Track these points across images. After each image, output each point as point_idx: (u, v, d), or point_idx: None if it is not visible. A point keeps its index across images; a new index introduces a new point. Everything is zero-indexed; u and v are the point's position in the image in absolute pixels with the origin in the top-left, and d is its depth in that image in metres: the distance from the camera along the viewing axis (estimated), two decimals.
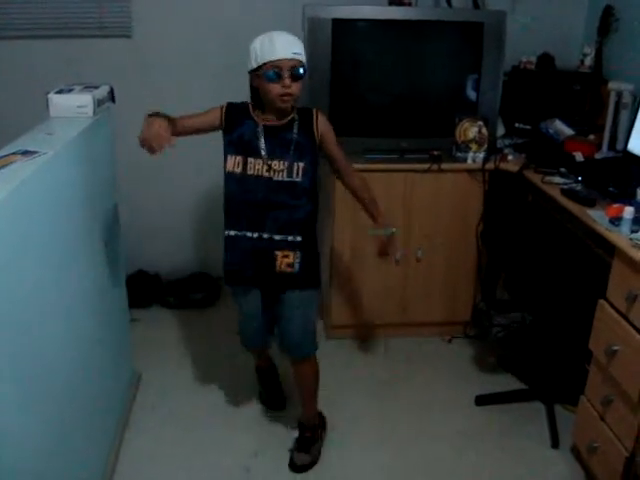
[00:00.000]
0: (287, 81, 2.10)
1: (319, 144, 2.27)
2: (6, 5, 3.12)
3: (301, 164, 2.22)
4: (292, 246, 2.25)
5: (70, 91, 2.24)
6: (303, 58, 2.14)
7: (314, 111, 2.28)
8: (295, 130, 2.23)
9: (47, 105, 2.18)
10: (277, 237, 2.23)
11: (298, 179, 2.22)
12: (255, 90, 2.21)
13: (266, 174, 2.20)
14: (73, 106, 2.19)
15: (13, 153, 1.72)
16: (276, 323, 2.42)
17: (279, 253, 2.25)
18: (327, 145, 2.29)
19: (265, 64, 2.09)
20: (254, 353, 2.72)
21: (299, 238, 2.25)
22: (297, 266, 2.26)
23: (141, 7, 3.23)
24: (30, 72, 3.21)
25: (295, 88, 2.13)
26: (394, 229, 2.36)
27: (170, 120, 2.06)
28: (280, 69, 2.09)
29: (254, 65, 2.13)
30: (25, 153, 1.73)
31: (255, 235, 2.23)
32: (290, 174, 2.21)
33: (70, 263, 1.96)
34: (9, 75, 3.23)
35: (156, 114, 2.05)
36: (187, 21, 3.28)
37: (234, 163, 2.22)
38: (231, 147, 2.23)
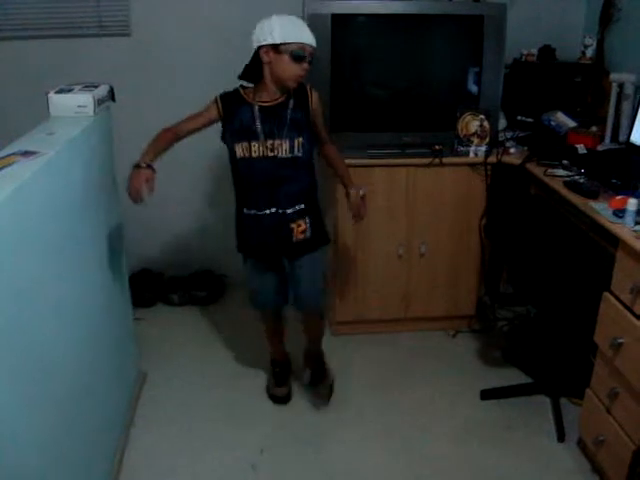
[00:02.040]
0: (306, 64, 2.26)
1: (312, 119, 2.42)
2: (5, 5, 3.11)
3: (300, 139, 2.36)
4: (302, 214, 2.44)
5: (70, 90, 2.24)
6: None
7: (308, 88, 2.40)
8: (290, 107, 2.35)
9: (47, 105, 2.18)
10: (289, 210, 2.41)
11: (299, 154, 2.37)
12: (256, 65, 2.30)
13: (270, 154, 2.34)
14: (73, 105, 2.19)
15: (14, 153, 1.72)
16: (290, 283, 2.61)
17: (294, 225, 2.43)
18: (316, 119, 2.44)
19: (291, 43, 2.22)
20: (268, 316, 2.77)
21: (303, 206, 2.43)
22: (309, 232, 2.46)
23: (140, 6, 3.22)
24: (30, 72, 3.20)
25: (307, 71, 2.29)
26: (365, 189, 2.56)
27: (153, 159, 2.21)
28: (304, 51, 2.24)
29: (278, 40, 2.22)
30: (26, 153, 1.73)
31: (273, 211, 2.40)
32: (292, 150, 2.35)
33: (72, 263, 1.95)
34: (9, 75, 3.23)
35: (137, 166, 2.16)
36: (186, 19, 3.27)
37: (242, 149, 2.34)
38: (235, 135, 2.34)
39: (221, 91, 2.39)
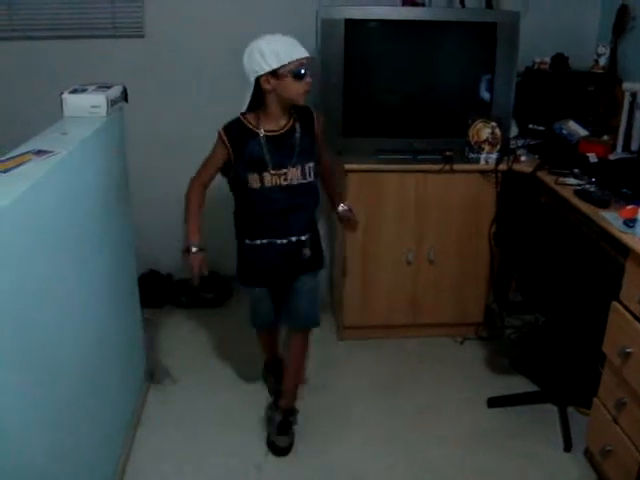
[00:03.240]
0: (309, 78, 2.22)
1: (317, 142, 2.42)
2: (20, 5, 3.14)
3: (310, 164, 2.36)
4: (310, 238, 2.46)
5: (84, 91, 2.25)
6: None
7: (313, 113, 2.39)
8: (298, 134, 2.34)
9: (61, 105, 2.19)
10: (303, 237, 2.43)
11: (311, 179, 2.37)
12: (259, 94, 2.25)
13: (284, 182, 2.32)
14: (87, 106, 2.20)
15: (27, 152, 1.73)
16: (285, 303, 2.57)
17: (306, 250, 2.45)
18: (320, 141, 2.43)
19: (288, 64, 2.17)
20: (264, 334, 2.80)
21: (311, 231, 2.48)
22: (309, 251, 2.46)
23: (154, 8, 3.24)
24: (44, 72, 3.22)
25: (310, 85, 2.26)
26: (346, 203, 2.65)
27: (199, 236, 2.37)
28: (303, 66, 2.20)
29: (275, 65, 2.17)
30: (39, 152, 1.74)
31: (285, 241, 2.40)
32: (304, 176, 2.35)
33: (83, 262, 1.96)
34: (23, 75, 3.25)
35: (188, 250, 2.34)
36: (199, 22, 3.29)
37: (254, 180, 2.32)
38: (246, 167, 2.31)
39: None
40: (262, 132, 2.29)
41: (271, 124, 2.30)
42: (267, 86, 2.21)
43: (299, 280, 2.49)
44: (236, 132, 2.30)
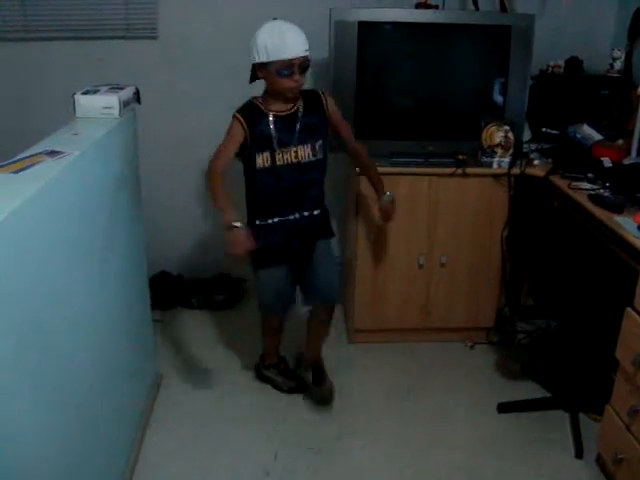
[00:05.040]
0: (297, 76, 2.28)
1: (330, 123, 2.49)
2: (34, 6, 3.15)
3: (320, 142, 2.44)
4: (320, 213, 2.57)
5: (96, 92, 2.25)
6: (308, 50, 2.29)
7: (320, 94, 2.47)
8: (301, 114, 2.41)
9: (73, 106, 2.19)
10: (315, 212, 2.53)
11: (320, 156, 2.46)
12: (256, 77, 2.35)
13: (294, 160, 2.41)
14: (99, 107, 2.20)
15: (39, 153, 1.73)
16: (302, 282, 2.65)
17: (316, 225, 2.56)
18: (336, 121, 2.51)
19: (275, 61, 2.24)
20: (275, 322, 2.81)
21: (321, 207, 2.58)
22: (319, 217, 2.56)
23: (167, 9, 3.25)
24: (57, 72, 3.24)
25: (302, 79, 2.32)
26: (391, 193, 2.66)
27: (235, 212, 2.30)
28: (292, 66, 2.25)
29: (263, 59, 2.26)
30: (51, 153, 1.74)
31: (297, 215, 2.49)
32: (314, 153, 2.44)
33: (94, 264, 1.97)
34: (36, 75, 3.27)
35: (230, 227, 2.25)
36: (212, 22, 3.30)
37: (263, 159, 2.39)
38: (256, 146, 2.37)
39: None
40: (271, 112, 2.37)
41: (279, 105, 2.39)
42: (259, 74, 2.33)
43: (315, 251, 2.57)
44: (249, 112, 2.38)
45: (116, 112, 2.22)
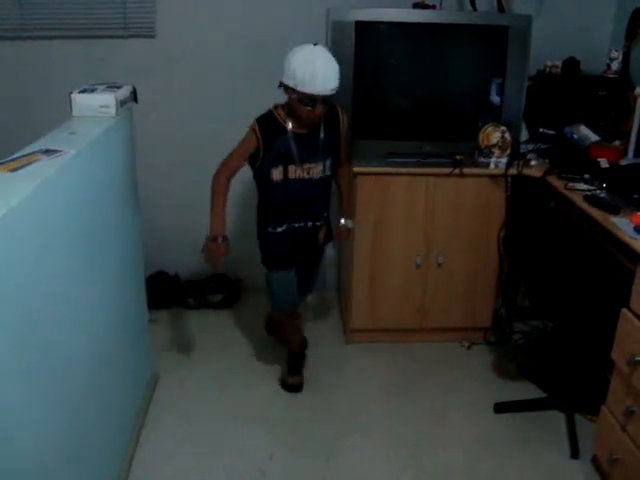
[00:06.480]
0: (318, 109, 2.31)
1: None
2: (31, 5, 3.14)
3: (329, 160, 2.54)
4: (324, 223, 2.71)
5: (93, 91, 2.25)
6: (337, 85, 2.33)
7: (339, 111, 2.53)
8: (322, 132, 2.47)
9: (70, 104, 2.19)
10: (318, 223, 2.66)
11: (329, 173, 2.56)
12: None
13: (306, 176, 2.50)
14: (96, 106, 2.20)
15: (36, 152, 1.73)
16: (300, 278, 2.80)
17: (321, 234, 2.71)
18: (342, 141, 2.59)
19: (302, 92, 2.28)
20: (289, 319, 2.94)
21: (325, 215, 2.71)
22: (322, 227, 2.71)
23: (166, 8, 3.24)
24: (54, 71, 3.23)
25: (324, 110, 2.36)
26: (353, 223, 2.84)
27: (225, 226, 2.47)
28: (315, 100, 2.31)
29: (290, 84, 2.30)
30: (47, 152, 1.74)
31: (302, 224, 2.61)
32: (324, 171, 2.54)
33: (91, 263, 1.96)
34: (33, 74, 3.26)
35: (214, 239, 2.45)
36: (210, 22, 3.29)
37: (277, 173, 2.47)
38: (273, 161, 2.45)
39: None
40: (290, 126, 2.42)
41: (298, 124, 2.43)
42: (285, 92, 2.36)
43: (312, 259, 2.81)
44: (268, 126, 2.42)
45: (113, 111, 2.21)
